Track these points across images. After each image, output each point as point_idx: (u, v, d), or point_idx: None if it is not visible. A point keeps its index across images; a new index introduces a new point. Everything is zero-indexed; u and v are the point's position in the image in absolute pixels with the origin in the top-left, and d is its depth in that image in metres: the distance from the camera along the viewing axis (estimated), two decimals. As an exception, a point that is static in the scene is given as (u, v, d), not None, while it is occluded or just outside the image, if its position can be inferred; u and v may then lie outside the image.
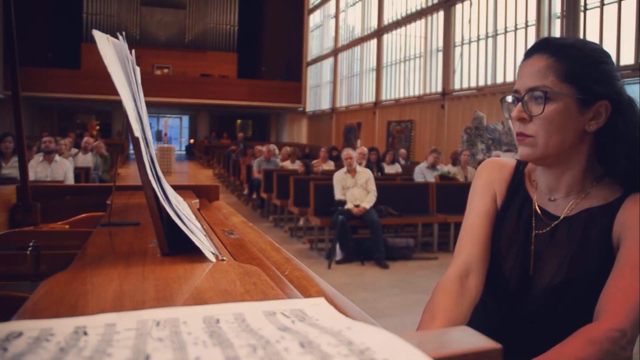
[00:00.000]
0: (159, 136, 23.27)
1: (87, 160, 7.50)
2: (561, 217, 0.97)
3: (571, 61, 0.90)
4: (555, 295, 0.94)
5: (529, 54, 0.96)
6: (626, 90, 0.95)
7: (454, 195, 6.09)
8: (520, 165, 1.08)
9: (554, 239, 0.97)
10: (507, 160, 1.10)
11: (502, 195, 1.05)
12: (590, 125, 0.91)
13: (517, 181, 1.06)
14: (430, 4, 13.11)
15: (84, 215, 1.39)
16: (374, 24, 16.46)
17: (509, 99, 0.98)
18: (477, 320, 0.98)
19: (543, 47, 0.93)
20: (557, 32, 9.13)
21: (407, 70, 14.49)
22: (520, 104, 0.93)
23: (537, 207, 1.01)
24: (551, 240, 0.97)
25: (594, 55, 0.92)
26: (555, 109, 0.89)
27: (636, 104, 0.95)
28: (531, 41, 9.57)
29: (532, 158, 0.94)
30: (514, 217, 1.03)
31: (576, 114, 0.90)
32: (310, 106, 22.20)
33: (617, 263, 0.87)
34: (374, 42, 16.43)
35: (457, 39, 12.06)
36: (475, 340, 0.38)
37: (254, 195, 8.60)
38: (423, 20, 13.53)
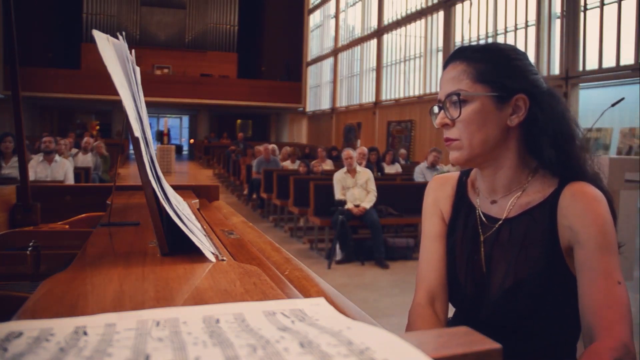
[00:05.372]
0: (159, 136, 23.24)
1: (87, 160, 7.50)
2: (502, 219, 0.99)
3: (482, 62, 0.94)
4: (508, 296, 0.95)
5: (445, 64, 1.00)
6: (544, 82, 0.97)
7: (454, 195, 6.08)
8: (463, 177, 1.11)
9: (499, 242, 0.99)
10: (450, 175, 1.13)
11: (449, 212, 1.09)
12: (512, 120, 0.94)
13: (461, 193, 1.09)
14: (430, 4, 13.11)
15: (84, 215, 1.39)
16: (374, 24, 16.45)
17: (436, 109, 1.01)
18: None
19: (457, 55, 0.98)
20: (557, 32, 9.13)
21: (407, 70, 14.49)
22: (442, 111, 0.97)
23: (480, 213, 1.03)
24: (496, 242, 1.00)
25: (504, 55, 0.96)
26: (472, 110, 0.93)
27: (557, 94, 0.98)
28: (531, 41, 9.59)
29: (461, 160, 0.97)
30: (461, 227, 1.05)
31: (494, 111, 0.93)
32: (310, 106, 22.19)
33: (582, 269, 0.88)
34: (374, 42, 16.42)
35: (457, 39, 12.05)
36: (475, 340, 0.38)
37: (254, 196, 8.61)
38: (423, 20, 13.52)
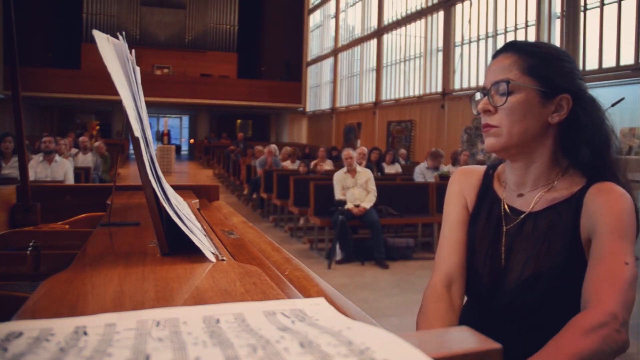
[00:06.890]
0: (159, 136, 23.22)
1: (87, 160, 7.50)
2: (527, 212, 1.01)
3: (533, 57, 0.97)
4: (525, 288, 0.97)
5: (495, 55, 1.02)
6: (588, 90, 1.00)
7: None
8: (490, 170, 1.13)
9: (522, 233, 1.01)
10: (476, 168, 1.15)
11: (473, 201, 1.10)
12: (553, 118, 0.96)
13: (486, 185, 1.10)
14: (430, 4, 13.10)
15: (84, 215, 1.39)
16: (374, 24, 16.44)
17: (478, 96, 1.03)
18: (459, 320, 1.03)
19: (508, 47, 1.00)
20: (557, 32, 9.13)
21: (407, 70, 14.48)
22: (486, 97, 0.99)
23: (505, 206, 1.05)
24: (519, 234, 1.01)
25: (555, 54, 0.98)
26: (518, 100, 0.95)
27: (600, 102, 1.01)
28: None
29: (497, 147, 0.98)
30: (483, 218, 1.07)
31: (538, 106, 0.95)
32: (310, 106, 22.18)
33: (593, 253, 0.90)
34: (374, 42, 16.41)
35: (457, 39, 12.05)
36: (476, 340, 0.38)
37: (255, 195, 8.60)
38: (423, 20, 13.52)
